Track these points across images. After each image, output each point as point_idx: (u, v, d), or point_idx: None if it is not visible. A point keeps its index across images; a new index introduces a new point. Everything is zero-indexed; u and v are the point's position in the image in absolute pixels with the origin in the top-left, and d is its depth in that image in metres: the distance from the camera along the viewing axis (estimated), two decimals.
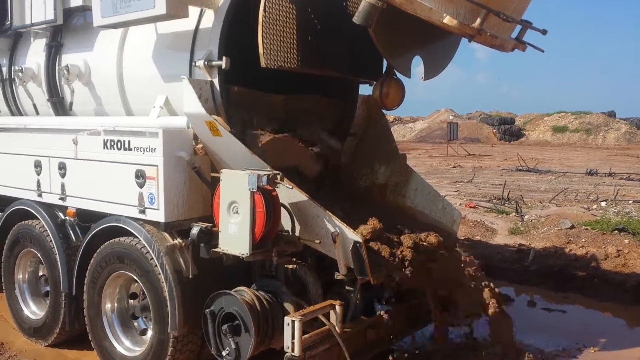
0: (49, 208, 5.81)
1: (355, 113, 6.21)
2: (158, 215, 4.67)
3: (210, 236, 4.47)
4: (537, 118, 55.21)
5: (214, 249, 4.39)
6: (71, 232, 5.65)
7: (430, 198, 5.88)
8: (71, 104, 6.12)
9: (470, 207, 14.04)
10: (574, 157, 33.18)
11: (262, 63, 4.66)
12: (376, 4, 3.90)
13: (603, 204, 14.40)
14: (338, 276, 4.53)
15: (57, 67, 6.07)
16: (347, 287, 4.78)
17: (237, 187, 4.23)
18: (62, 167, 5.52)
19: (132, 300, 5.29)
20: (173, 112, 5.14)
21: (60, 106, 6.26)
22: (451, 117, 55.93)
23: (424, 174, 22.55)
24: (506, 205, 14.39)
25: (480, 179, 21.11)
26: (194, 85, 4.63)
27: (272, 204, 4.23)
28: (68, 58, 6.07)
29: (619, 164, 27.53)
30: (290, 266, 4.74)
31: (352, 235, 4.26)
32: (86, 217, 5.49)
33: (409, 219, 5.60)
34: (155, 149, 4.65)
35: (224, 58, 4.64)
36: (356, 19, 4.02)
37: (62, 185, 5.54)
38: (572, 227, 10.25)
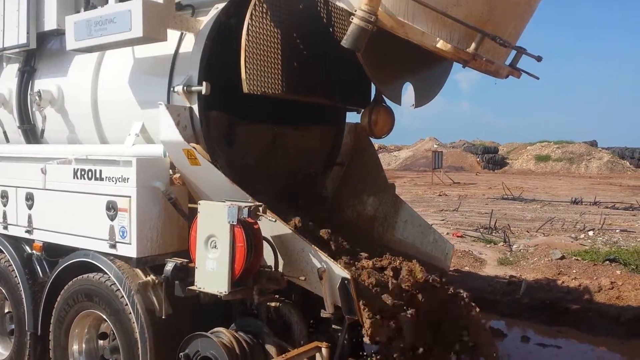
0: (15, 241, 5.46)
1: (342, 141, 5.97)
2: (130, 250, 4.35)
3: (186, 273, 4.15)
4: (520, 147, 55.62)
5: (190, 287, 4.06)
6: (38, 267, 5.30)
7: (421, 230, 5.62)
8: (42, 131, 5.81)
9: (458, 236, 13.82)
10: (558, 185, 33.26)
11: (245, 88, 4.41)
12: (366, 27, 3.68)
13: (590, 233, 14.31)
14: (324, 314, 4.21)
15: (29, 93, 5.77)
16: (334, 326, 4.46)
17: (215, 219, 3.93)
18: (29, 198, 5.18)
19: (102, 341, 4.92)
20: (150, 140, 4.86)
21: (32, 134, 5.95)
22: (435, 146, 56.15)
23: (409, 203, 22.41)
24: (493, 234, 14.20)
25: (466, 207, 20.96)
26: (172, 111, 4.36)
27: (253, 238, 3.94)
28: (41, 83, 5.79)
29: (603, 192, 27.59)
30: (273, 304, 4.44)
31: (340, 272, 3.97)
32: (54, 252, 5.15)
33: (399, 253, 5.31)
34: (128, 178, 4.34)
35: (204, 83, 4.39)
36: (345, 42, 3.79)
37: (29, 217, 5.20)
38: (563, 257, 10.05)
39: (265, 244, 4.12)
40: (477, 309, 4.61)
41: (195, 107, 4.48)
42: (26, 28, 5.61)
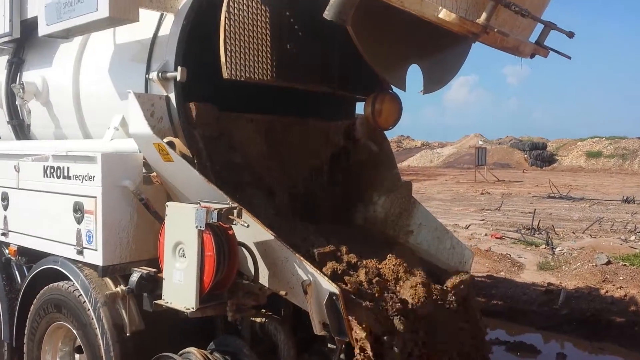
0: None
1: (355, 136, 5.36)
2: (96, 257, 3.87)
3: (154, 284, 3.64)
4: (570, 143, 53.53)
5: (157, 301, 3.55)
6: (17, 272, 4.91)
7: (437, 235, 4.95)
8: (28, 126, 5.43)
9: (497, 237, 13.01)
10: (609, 183, 31.63)
11: (225, 73, 3.89)
12: None
13: None
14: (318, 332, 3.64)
15: (11, 86, 5.39)
16: (329, 345, 3.90)
17: (183, 224, 3.41)
18: (4, 198, 4.78)
19: (78, 355, 4.46)
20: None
21: (20, 129, 5.58)
22: (480, 142, 54.68)
23: (449, 201, 21.78)
24: (536, 235, 13.32)
25: (509, 206, 19.96)
26: (144, 100, 3.86)
27: (226, 246, 3.40)
28: (28, 75, 5.41)
29: None
30: (258, 320, 3.89)
31: (327, 285, 3.39)
32: (30, 256, 4.73)
33: (411, 260, 4.68)
34: (93, 177, 3.87)
35: (179, 68, 3.87)
36: (327, 13, 3.20)
37: (5, 219, 4.80)
38: (609, 262, 9.16)
39: (244, 251, 3.58)
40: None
41: (173, 96, 3.98)
42: (9, 16, 5.21)
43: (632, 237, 12.86)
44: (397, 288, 3.88)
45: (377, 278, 3.81)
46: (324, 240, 4.09)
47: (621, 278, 8.36)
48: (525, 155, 50.80)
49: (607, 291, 7.78)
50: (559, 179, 31.49)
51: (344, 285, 3.56)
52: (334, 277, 3.62)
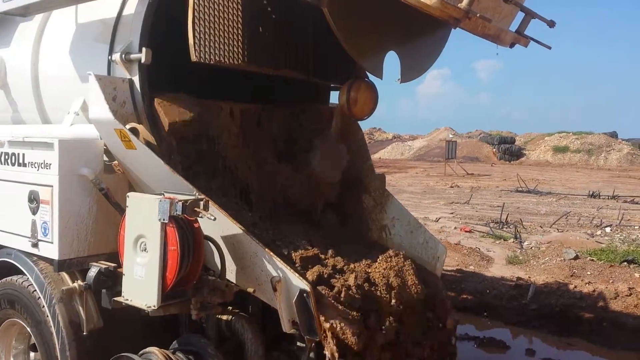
0: None
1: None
2: (51, 250, 3.63)
3: (114, 280, 3.43)
4: (538, 138, 54.29)
5: (116, 298, 3.33)
6: None
7: (411, 229, 4.82)
8: None
9: (466, 231, 13.02)
10: (575, 178, 32.13)
11: (193, 56, 3.67)
12: None
13: (608, 229, 13.44)
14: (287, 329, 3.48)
15: None
16: (298, 344, 3.76)
17: (145, 216, 3.20)
18: None
19: (33, 353, 4.21)
20: None
21: None
22: (450, 136, 55.01)
23: (419, 194, 21.79)
24: (504, 229, 13.37)
25: (478, 200, 20.07)
26: (105, 83, 3.62)
27: (191, 240, 3.20)
28: None
29: (622, 186, 26.48)
30: (224, 317, 3.71)
31: (298, 282, 3.23)
32: None
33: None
34: (50, 164, 3.62)
35: (144, 50, 3.64)
36: None
37: None
38: (577, 257, 9.20)
39: (211, 246, 3.39)
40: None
41: (137, 79, 3.75)
42: None
43: (598, 232, 13.01)
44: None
45: (366, 283, 3.64)
46: (303, 240, 3.90)
47: (589, 273, 8.40)
48: (494, 149, 51.33)
49: (575, 286, 7.79)
50: (527, 173, 31.84)
51: (327, 290, 3.38)
52: (320, 282, 3.46)
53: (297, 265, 3.55)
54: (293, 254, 3.64)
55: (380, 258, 3.93)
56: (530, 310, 7.38)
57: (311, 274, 3.45)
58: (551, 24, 3.67)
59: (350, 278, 3.60)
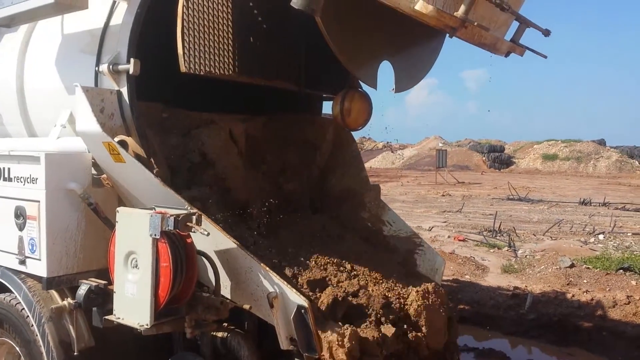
0: None
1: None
2: (39, 267, 3.51)
3: (105, 298, 3.31)
4: (527, 146, 54.55)
5: (107, 317, 3.22)
6: None
7: (407, 240, 4.75)
8: None
9: (460, 240, 12.95)
10: (565, 185, 32.23)
11: (182, 67, 3.59)
12: None
13: (601, 236, 13.44)
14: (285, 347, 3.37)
15: None
16: None
17: (136, 231, 3.09)
18: None
19: None
20: None
21: None
22: (440, 145, 55.18)
23: (411, 203, 21.71)
24: (497, 238, 13.31)
25: (470, 208, 20.04)
26: (93, 95, 3.53)
27: (183, 256, 3.10)
28: None
29: (612, 192, 26.58)
30: (220, 334, 3.60)
31: (296, 298, 3.13)
32: None
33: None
34: (36, 179, 3.51)
35: (132, 60, 3.55)
36: (295, 2, 2.93)
37: None
38: (572, 265, 9.14)
39: (204, 261, 3.29)
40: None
41: (125, 91, 3.65)
42: None
43: (592, 239, 12.99)
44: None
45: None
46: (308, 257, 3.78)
47: (585, 281, 8.34)
48: (484, 158, 51.52)
49: (573, 295, 7.72)
50: (517, 181, 31.90)
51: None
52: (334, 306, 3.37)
53: (304, 287, 3.45)
54: (300, 277, 3.54)
55: (416, 291, 3.73)
56: (528, 320, 7.30)
57: (326, 297, 3.35)
58: (546, 32, 3.63)
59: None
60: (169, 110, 3.91)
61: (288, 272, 3.54)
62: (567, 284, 8.25)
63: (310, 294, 3.44)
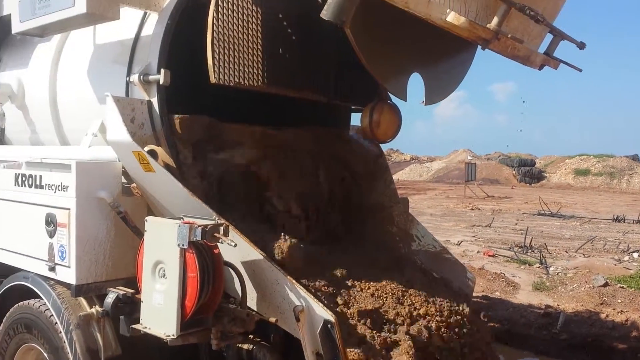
0: None
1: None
2: (68, 275, 3.54)
3: (132, 306, 3.32)
4: (559, 160, 53.63)
5: (134, 326, 3.22)
6: None
7: (437, 256, 4.67)
8: (2, 130, 5.10)
9: (489, 255, 12.75)
10: (598, 201, 31.55)
11: (212, 77, 3.60)
12: None
13: (635, 254, 13.11)
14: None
15: None
16: None
17: (164, 241, 3.09)
18: None
19: None
20: None
21: None
22: (469, 158, 54.64)
23: (439, 216, 21.49)
24: (528, 254, 13.06)
25: (500, 223, 19.73)
26: (123, 105, 3.56)
27: (211, 267, 3.08)
28: (3, 76, 5.09)
29: None
30: (245, 346, 3.57)
31: (322, 312, 3.09)
32: (4, 271, 4.37)
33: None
34: (67, 186, 3.54)
35: (162, 71, 3.57)
36: (325, 13, 2.92)
37: None
38: (606, 284, 8.89)
39: (231, 272, 3.28)
40: None
41: (155, 101, 3.68)
42: None
43: (626, 257, 12.66)
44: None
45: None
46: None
47: (619, 301, 8.10)
48: (514, 172, 50.77)
49: (607, 315, 7.50)
50: (548, 196, 31.34)
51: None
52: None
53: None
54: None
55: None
56: (560, 340, 7.10)
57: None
58: (581, 45, 3.55)
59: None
60: (212, 122, 3.91)
61: (340, 300, 3.49)
62: (601, 304, 8.03)
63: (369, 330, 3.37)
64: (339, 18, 2.86)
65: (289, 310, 3.17)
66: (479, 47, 3.41)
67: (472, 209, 25.20)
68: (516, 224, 19.20)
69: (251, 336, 3.59)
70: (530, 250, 13.42)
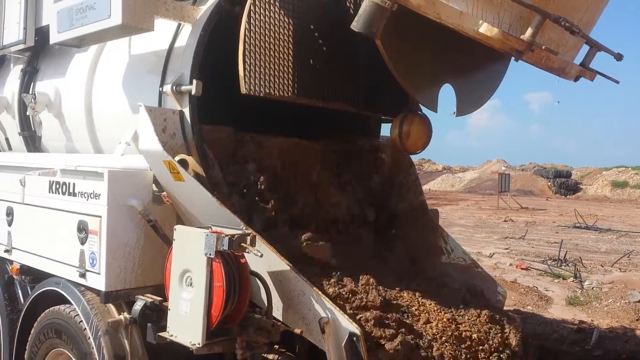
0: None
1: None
2: (98, 281, 3.59)
3: (160, 314, 3.35)
4: (595, 172, 52.60)
5: (161, 334, 3.25)
6: (20, 292, 4.67)
7: (467, 269, 4.60)
8: (39, 138, 5.23)
9: (522, 268, 12.53)
10: (636, 214, 30.73)
11: (243, 88, 3.62)
12: (383, 4, 2.79)
13: None
14: None
15: (23, 96, 5.19)
16: None
17: (191, 250, 3.11)
18: (9, 213, 4.54)
19: None
20: None
21: (32, 141, 5.37)
22: (503, 168, 53.94)
23: (471, 227, 21.21)
24: (562, 267, 12.78)
25: (534, 235, 19.39)
26: (156, 114, 3.61)
27: (237, 276, 3.09)
28: (41, 85, 5.21)
29: None
30: (270, 356, 3.57)
31: (348, 325, 3.07)
32: (36, 276, 4.47)
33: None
34: (99, 194, 3.60)
35: (194, 82, 3.62)
36: (355, 25, 2.92)
37: (9, 235, 4.55)
38: None
39: (257, 282, 3.28)
40: None
41: (187, 111, 3.72)
42: (23, 23, 5.04)
43: None
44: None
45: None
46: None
47: None
48: (549, 183, 49.94)
49: None
50: (584, 209, 30.69)
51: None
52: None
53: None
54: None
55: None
56: (594, 357, 6.91)
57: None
58: (618, 57, 3.46)
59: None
60: (241, 133, 3.95)
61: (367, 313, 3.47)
62: (637, 320, 7.81)
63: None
64: (369, 30, 2.86)
65: (315, 321, 3.15)
66: (513, 58, 3.38)
67: (505, 221, 24.83)
68: (551, 237, 18.83)
69: (276, 346, 3.59)
70: (564, 264, 13.14)
